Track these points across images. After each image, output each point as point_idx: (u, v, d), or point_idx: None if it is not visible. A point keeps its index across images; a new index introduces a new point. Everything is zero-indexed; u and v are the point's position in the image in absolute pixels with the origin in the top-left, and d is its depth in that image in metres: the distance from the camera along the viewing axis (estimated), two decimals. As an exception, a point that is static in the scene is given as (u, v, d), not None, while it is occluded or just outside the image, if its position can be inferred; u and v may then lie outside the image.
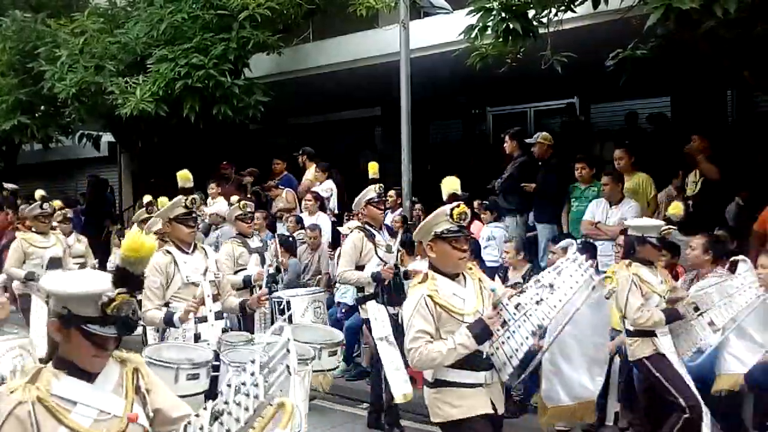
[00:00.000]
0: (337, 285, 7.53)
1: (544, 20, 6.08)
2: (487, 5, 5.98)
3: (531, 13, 6.04)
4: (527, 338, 3.41)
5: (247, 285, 6.28)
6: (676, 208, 5.03)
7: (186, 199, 4.87)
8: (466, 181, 4.32)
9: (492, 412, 3.45)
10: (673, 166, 7.67)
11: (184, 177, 5.10)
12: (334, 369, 5.23)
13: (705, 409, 4.45)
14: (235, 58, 9.27)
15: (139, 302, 2.68)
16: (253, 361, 2.19)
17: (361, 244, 5.70)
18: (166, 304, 4.67)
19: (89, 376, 2.30)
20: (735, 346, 4.80)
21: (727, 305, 4.70)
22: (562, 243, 4.72)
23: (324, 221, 8.72)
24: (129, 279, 2.27)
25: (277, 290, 6.41)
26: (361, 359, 7.41)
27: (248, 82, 9.54)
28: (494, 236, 7.65)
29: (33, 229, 7.77)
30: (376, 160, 6.25)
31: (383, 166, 6.57)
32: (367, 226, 5.82)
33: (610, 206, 6.92)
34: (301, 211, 9.10)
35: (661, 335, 4.64)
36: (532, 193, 7.66)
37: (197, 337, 4.68)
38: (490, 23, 6.02)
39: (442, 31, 8.01)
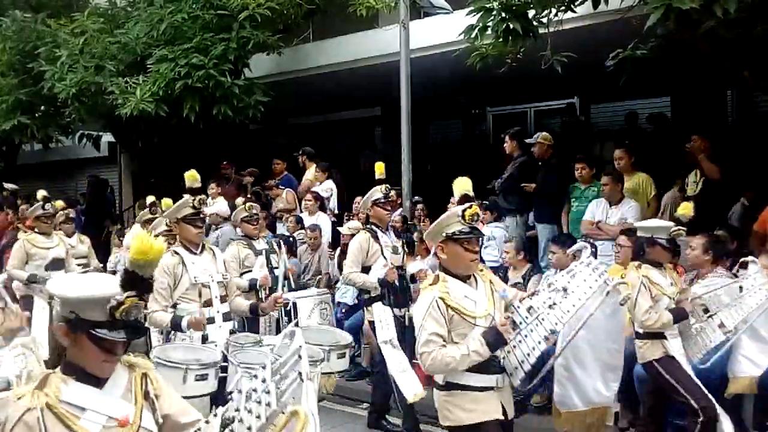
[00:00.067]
0: (338, 285, 7.53)
1: (544, 20, 6.08)
2: (487, 5, 5.98)
3: (531, 13, 6.04)
4: (539, 343, 3.37)
5: (253, 288, 6.26)
6: (686, 209, 4.98)
7: (194, 200, 4.85)
8: (466, 182, 4.30)
9: (502, 417, 3.40)
10: (673, 166, 7.67)
11: (192, 177, 5.10)
12: (344, 371, 5.17)
13: (720, 410, 4.42)
14: (235, 58, 9.26)
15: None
16: (264, 367, 2.13)
17: (367, 245, 5.67)
18: (174, 306, 4.63)
19: (98, 382, 2.26)
20: (747, 347, 4.78)
21: (737, 307, 4.67)
22: (576, 246, 4.65)
23: (324, 221, 8.72)
24: (138, 282, 2.23)
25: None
26: (361, 359, 7.41)
27: (248, 82, 9.52)
28: (494, 236, 7.63)
29: (35, 230, 7.74)
30: (376, 160, 6.22)
31: (383, 166, 6.58)
32: (373, 227, 5.79)
33: (610, 206, 6.92)
34: (301, 211, 9.10)
35: (670, 338, 4.62)
36: (532, 193, 7.66)
37: (204, 339, 4.63)
38: (490, 23, 6.02)
39: (442, 31, 8.01)
